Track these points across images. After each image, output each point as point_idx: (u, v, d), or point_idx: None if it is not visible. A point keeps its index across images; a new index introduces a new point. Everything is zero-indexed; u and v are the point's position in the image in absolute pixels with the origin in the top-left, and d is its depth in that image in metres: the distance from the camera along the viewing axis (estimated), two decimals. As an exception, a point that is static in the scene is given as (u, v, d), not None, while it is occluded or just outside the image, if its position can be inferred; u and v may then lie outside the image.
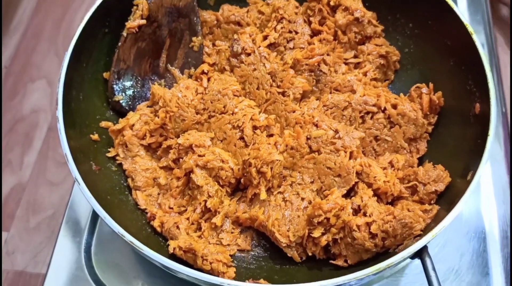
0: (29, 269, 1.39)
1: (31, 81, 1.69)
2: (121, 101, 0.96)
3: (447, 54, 0.93)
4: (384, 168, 0.87)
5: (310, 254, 0.83)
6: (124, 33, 0.94)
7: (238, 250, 0.86)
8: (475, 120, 0.84)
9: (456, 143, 0.88)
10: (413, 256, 0.73)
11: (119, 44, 0.94)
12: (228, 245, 0.85)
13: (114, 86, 0.95)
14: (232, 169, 0.86)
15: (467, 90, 0.87)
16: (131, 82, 0.97)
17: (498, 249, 0.95)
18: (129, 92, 0.97)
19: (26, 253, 1.40)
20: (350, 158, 0.85)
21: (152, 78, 0.99)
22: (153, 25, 0.96)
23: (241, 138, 0.90)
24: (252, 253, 0.87)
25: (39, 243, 1.42)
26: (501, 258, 0.94)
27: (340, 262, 0.81)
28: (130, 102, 0.96)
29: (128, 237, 0.71)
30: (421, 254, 0.72)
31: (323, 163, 0.86)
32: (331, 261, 0.81)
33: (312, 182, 0.87)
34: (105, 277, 0.93)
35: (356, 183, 0.85)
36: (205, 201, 0.84)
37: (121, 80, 0.96)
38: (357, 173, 0.85)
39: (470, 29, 0.87)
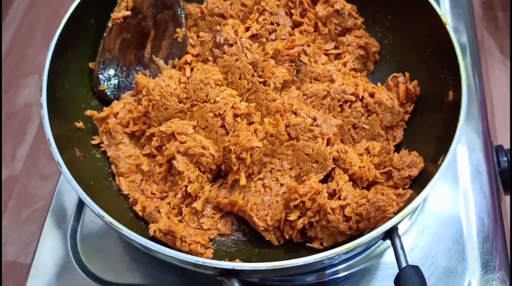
0: (20, 260, 1.42)
1: (24, 75, 1.72)
2: (106, 90, 0.98)
3: (423, 45, 0.95)
4: (361, 155, 0.89)
5: (287, 237, 0.85)
6: (110, 24, 0.96)
7: (218, 234, 0.88)
8: (448, 107, 0.86)
9: (431, 130, 0.90)
10: (384, 237, 0.75)
11: (105, 34, 0.97)
12: (209, 229, 0.88)
13: (100, 75, 0.97)
14: (213, 155, 0.88)
15: (442, 78, 0.90)
16: (116, 72, 0.99)
17: (474, 234, 0.97)
18: (114, 81, 0.99)
19: (18, 244, 1.43)
20: (327, 145, 0.88)
21: (137, 68, 1.01)
22: (138, 17, 0.98)
23: (222, 126, 0.92)
24: (232, 237, 0.89)
25: (30, 234, 1.44)
26: (477, 243, 0.96)
27: (316, 245, 0.83)
28: (115, 91, 0.99)
29: (107, 218, 0.74)
30: (391, 234, 0.74)
31: (301, 150, 0.88)
32: (308, 244, 0.84)
33: (291, 169, 0.89)
34: (91, 263, 0.95)
35: (333, 168, 0.88)
36: (186, 186, 0.86)
37: (106, 70, 0.98)
38: (334, 159, 0.87)
39: (444, 19, 0.89)
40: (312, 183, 0.83)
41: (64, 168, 0.77)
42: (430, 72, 0.93)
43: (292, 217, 0.82)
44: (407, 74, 0.95)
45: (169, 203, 0.87)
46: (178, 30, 1.02)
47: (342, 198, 0.81)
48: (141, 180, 0.92)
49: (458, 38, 1.19)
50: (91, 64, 0.98)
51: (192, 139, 0.89)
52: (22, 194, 1.50)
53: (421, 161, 0.85)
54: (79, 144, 0.90)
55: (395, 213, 0.79)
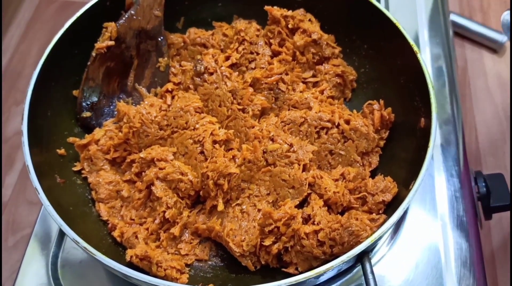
0: (5, 287, 1.41)
1: (16, 104, 1.75)
2: (89, 118, 1.00)
3: (398, 73, 0.98)
4: (336, 180, 0.91)
5: (263, 262, 0.86)
6: (94, 53, 0.99)
7: (196, 259, 0.89)
8: (420, 133, 0.88)
9: (404, 156, 0.92)
10: (356, 262, 0.76)
11: (89, 63, 0.99)
12: (187, 254, 0.89)
13: (83, 103, 1.00)
14: (191, 181, 0.90)
15: (415, 105, 0.92)
16: (99, 100, 1.02)
17: (452, 260, 0.98)
18: (97, 109, 1.01)
19: (4, 271, 1.42)
20: (303, 171, 0.89)
21: (120, 96, 1.03)
22: (122, 46, 1.01)
23: (202, 152, 0.94)
24: (210, 262, 0.90)
25: (16, 261, 1.44)
26: (455, 268, 0.97)
27: (291, 270, 0.84)
28: (98, 119, 1.01)
29: (82, 243, 0.75)
30: (362, 259, 0.75)
31: (278, 176, 0.90)
32: (283, 269, 0.85)
33: (268, 194, 0.91)
34: (71, 288, 0.96)
35: (309, 194, 0.89)
36: (164, 212, 0.87)
37: (90, 98, 1.01)
38: (309, 184, 0.89)
39: (415, 48, 0.92)
40: (287, 208, 0.84)
41: (42, 194, 0.78)
42: (404, 100, 0.96)
43: (267, 242, 0.83)
44: (381, 102, 0.97)
45: (147, 229, 0.88)
46: (160, 59, 1.04)
47: (316, 223, 0.82)
48: (121, 206, 0.93)
49: (437, 65, 1.22)
50: (75, 92, 1.01)
51: (171, 165, 0.91)
52: (9, 221, 1.51)
53: (394, 187, 0.87)
54: (60, 170, 0.92)
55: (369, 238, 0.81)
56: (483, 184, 1.11)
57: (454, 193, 1.05)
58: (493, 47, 1.66)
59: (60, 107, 0.97)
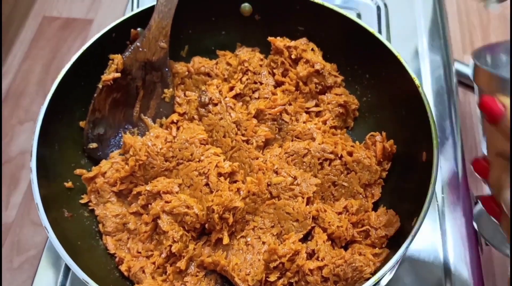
0: (11, 309, 1.42)
1: (20, 123, 1.76)
2: (95, 149, 1.02)
3: (399, 104, 1.00)
4: (339, 213, 0.92)
5: None
6: (100, 85, 1.00)
7: (202, 292, 0.91)
8: (421, 167, 0.90)
9: (407, 188, 0.94)
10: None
11: (95, 95, 1.01)
12: (193, 287, 0.90)
13: (89, 134, 1.01)
14: (196, 215, 0.91)
15: (416, 139, 0.94)
16: (106, 131, 1.03)
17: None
18: (104, 140, 1.03)
19: (5, 289, 1.44)
20: (307, 204, 0.91)
21: (126, 127, 1.05)
22: (128, 78, 1.03)
23: (207, 184, 0.96)
24: (216, 295, 0.91)
25: (21, 282, 1.45)
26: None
27: None
28: (104, 150, 1.02)
29: (92, 284, 0.76)
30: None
31: (282, 208, 0.92)
32: None
33: (272, 226, 0.92)
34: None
35: (313, 227, 0.91)
36: (170, 246, 0.89)
37: (96, 129, 1.02)
38: (313, 218, 0.90)
39: (417, 82, 0.94)
40: (291, 244, 0.86)
41: (51, 233, 0.80)
42: (405, 131, 0.98)
43: (272, 278, 0.84)
44: (383, 134, 0.99)
45: (153, 263, 0.90)
46: (166, 90, 1.06)
47: (320, 258, 0.84)
48: (128, 238, 0.95)
49: (438, 100, 1.24)
50: (81, 123, 1.02)
51: (177, 199, 0.92)
52: (14, 242, 1.52)
53: (397, 221, 0.88)
54: (67, 203, 0.93)
55: (372, 273, 0.82)
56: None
57: (455, 221, 1.07)
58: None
59: (67, 139, 0.99)
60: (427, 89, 1.24)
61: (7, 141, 1.71)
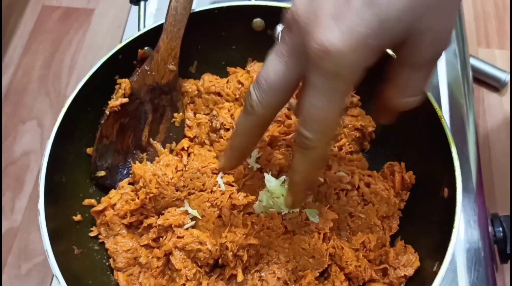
0: (20, 317, 1.42)
1: (22, 122, 1.72)
2: (104, 177, 0.98)
3: (419, 131, 0.95)
4: (357, 250, 0.90)
5: None
6: (107, 111, 0.96)
7: (215, 330, 0.89)
8: (443, 204, 0.87)
9: (427, 221, 0.91)
10: None
11: (102, 121, 0.97)
12: (206, 325, 0.89)
13: (97, 162, 0.98)
14: (210, 251, 0.89)
15: (437, 170, 0.90)
16: (114, 157, 0.99)
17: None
18: (112, 167, 0.99)
19: (18, 301, 1.44)
20: (323, 240, 0.88)
21: (135, 152, 1.01)
22: (136, 102, 0.99)
23: (219, 216, 0.93)
24: (230, 334, 0.90)
25: (30, 290, 1.45)
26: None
27: None
28: (113, 177, 0.99)
29: None
30: None
31: (297, 244, 0.89)
32: None
33: (287, 261, 0.90)
34: None
35: (330, 265, 0.88)
36: (184, 284, 0.87)
37: (104, 156, 0.98)
38: (330, 255, 0.88)
39: (439, 113, 0.89)
40: (307, 282, 0.83)
41: (63, 282, 0.77)
42: (425, 161, 0.94)
43: None
44: (402, 164, 0.95)
45: (167, 302, 0.88)
46: (175, 115, 1.02)
47: None
48: (139, 272, 0.93)
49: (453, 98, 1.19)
50: (88, 150, 0.99)
51: (189, 235, 0.89)
52: (22, 248, 1.51)
53: (416, 260, 0.86)
54: (77, 238, 0.91)
55: None
56: (500, 228, 1.11)
57: (472, 244, 1.05)
58: (495, 86, 1.61)
59: (74, 169, 0.96)
60: (443, 85, 1.19)
61: (9, 141, 1.67)
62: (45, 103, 1.75)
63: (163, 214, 0.94)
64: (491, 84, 1.63)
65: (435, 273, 0.79)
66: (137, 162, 0.98)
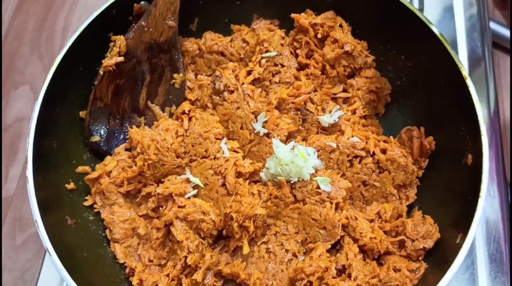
0: (16, 289, 1.37)
1: (14, 87, 1.63)
2: (98, 142, 0.91)
3: (440, 93, 0.88)
4: (371, 220, 0.84)
5: None
6: (101, 71, 0.89)
7: (220, 303, 0.84)
8: (467, 171, 0.80)
9: (447, 190, 0.84)
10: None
11: (96, 82, 0.89)
12: (210, 300, 0.83)
13: (91, 126, 0.91)
14: (213, 221, 0.83)
15: (460, 135, 0.83)
16: (109, 121, 0.92)
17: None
18: (107, 132, 0.92)
19: (14, 271, 1.38)
20: (336, 210, 0.82)
21: (131, 116, 0.94)
22: (132, 61, 0.91)
23: (223, 184, 0.86)
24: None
25: (26, 260, 1.39)
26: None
27: None
28: (108, 143, 0.92)
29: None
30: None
31: (308, 214, 0.83)
32: None
33: (297, 233, 0.84)
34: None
35: (342, 236, 0.82)
36: (186, 257, 0.81)
37: (99, 120, 0.91)
38: (343, 226, 0.82)
39: (464, 73, 0.82)
40: (320, 258, 0.78)
41: (54, 257, 0.71)
42: (446, 125, 0.87)
43: None
44: (422, 129, 0.88)
45: (167, 275, 0.82)
46: (175, 75, 0.94)
47: (352, 278, 0.76)
48: (138, 244, 0.87)
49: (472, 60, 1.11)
50: (81, 113, 0.91)
51: (191, 204, 0.83)
52: (16, 218, 1.45)
53: (436, 231, 0.80)
54: (70, 208, 0.84)
55: None
56: None
57: (491, 215, 0.99)
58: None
59: (66, 134, 0.89)
60: (462, 48, 1.11)
61: (2, 108, 1.60)
62: (38, 67, 1.66)
63: (162, 182, 0.87)
64: (507, 47, 1.53)
65: (459, 246, 0.72)
66: (134, 126, 0.91)
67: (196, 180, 0.85)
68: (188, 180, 0.87)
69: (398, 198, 0.88)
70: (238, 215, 0.80)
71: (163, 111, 0.95)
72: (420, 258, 0.80)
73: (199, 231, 0.83)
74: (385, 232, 0.83)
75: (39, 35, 1.71)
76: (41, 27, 1.72)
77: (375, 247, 0.80)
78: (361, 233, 0.81)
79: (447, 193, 0.84)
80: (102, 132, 0.92)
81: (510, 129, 1.30)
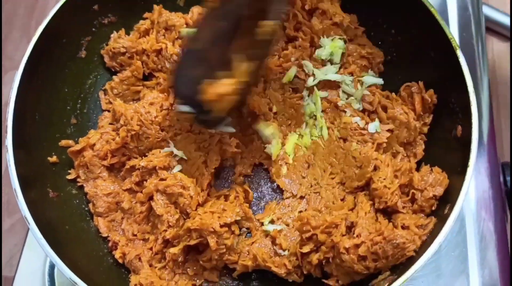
0: (5, 273, 1.36)
1: (4, 72, 1.62)
2: None
3: (430, 66, 0.86)
4: (397, 170, 0.80)
5: (305, 272, 0.79)
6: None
7: (205, 279, 0.82)
8: (456, 143, 0.78)
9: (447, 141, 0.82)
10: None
11: None
12: (195, 274, 0.81)
13: None
14: (191, 197, 0.80)
15: (450, 108, 0.81)
16: None
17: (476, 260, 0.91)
18: None
19: (2, 256, 1.37)
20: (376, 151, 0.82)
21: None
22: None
23: (205, 162, 0.85)
24: (221, 282, 0.82)
25: (14, 245, 1.38)
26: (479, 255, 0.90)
27: (332, 282, 0.77)
28: None
29: (82, 285, 0.67)
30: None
31: (349, 152, 0.84)
32: (324, 281, 0.78)
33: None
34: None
35: (357, 194, 0.82)
36: (165, 230, 0.79)
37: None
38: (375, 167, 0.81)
39: (454, 43, 0.80)
40: (327, 216, 0.77)
41: (33, 226, 0.69)
42: (436, 98, 0.85)
43: (305, 249, 0.76)
44: (421, 83, 0.85)
45: (151, 249, 0.80)
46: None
47: (355, 235, 0.74)
48: (122, 218, 0.85)
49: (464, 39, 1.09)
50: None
51: (172, 177, 0.81)
52: (4, 202, 1.43)
53: (445, 178, 0.77)
54: (52, 181, 0.83)
55: (417, 250, 0.72)
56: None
57: (482, 194, 0.97)
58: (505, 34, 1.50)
59: (49, 107, 0.86)
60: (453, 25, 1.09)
61: (-11, 91, 1.58)
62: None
63: (147, 156, 0.86)
64: (501, 32, 1.52)
65: (447, 216, 0.71)
66: (118, 99, 0.89)
67: (179, 153, 0.84)
68: (172, 154, 0.85)
69: (405, 155, 0.85)
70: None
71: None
72: (434, 208, 0.77)
73: (177, 206, 0.81)
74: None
75: (29, 21, 1.69)
76: (31, 13, 1.70)
77: (383, 195, 0.77)
78: (380, 177, 0.79)
79: (448, 144, 0.82)
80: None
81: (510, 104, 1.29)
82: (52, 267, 0.90)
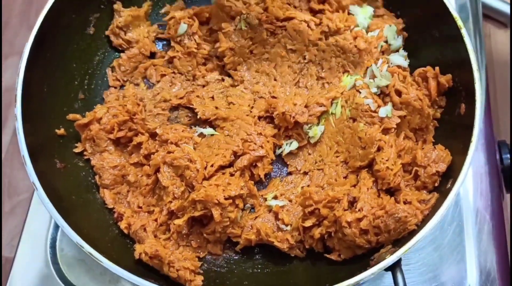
0: (5, 254, 1.36)
1: (4, 57, 1.62)
2: None
3: (434, 45, 0.87)
4: (401, 150, 0.81)
5: (307, 247, 0.80)
6: None
7: (208, 252, 0.83)
8: (459, 120, 0.80)
9: (444, 133, 0.84)
10: (387, 269, 0.70)
11: None
12: (199, 247, 0.82)
13: None
14: (197, 170, 0.81)
15: (454, 86, 0.83)
16: None
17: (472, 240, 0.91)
18: None
19: (2, 237, 1.37)
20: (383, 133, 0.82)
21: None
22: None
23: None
24: (224, 255, 0.83)
25: (14, 226, 1.38)
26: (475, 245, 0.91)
27: (334, 257, 0.78)
28: None
29: (87, 248, 0.68)
30: (393, 268, 0.69)
31: (356, 132, 0.84)
32: (326, 255, 0.78)
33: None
34: (72, 274, 0.88)
35: (360, 171, 0.83)
36: (170, 202, 0.80)
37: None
38: (378, 148, 0.81)
39: (459, 22, 0.81)
40: (329, 191, 0.78)
41: (41, 190, 0.70)
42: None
43: (307, 224, 0.77)
44: (437, 69, 0.84)
45: (155, 220, 0.81)
46: None
47: (357, 209, 0.75)
48: (128, 191, 0.85)
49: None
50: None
51: (180, 150, 0.82)
52: (5, 185, 1.43)
53: (448, 155, 0.78)
54: (60, 153, 0.83)
55: (418, 224, 0.73)
56: (508, 155, 1.03)
57: (478, 169, 0.97)
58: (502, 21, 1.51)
59: (58, 80, 0.87)
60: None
61: (-9, 77, 1.58)
62: (27, 38, 1.63)
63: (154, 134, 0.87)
64: (499, 19, 1.52)
65: (448, 191, 0.72)
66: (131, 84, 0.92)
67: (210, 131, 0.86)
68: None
69: (415, 140, 0.85)
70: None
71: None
72: (437, 184, 0.78)
73: (183, 178, 0.82)
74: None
75: (29, 7, 1.70)
76: (30, 1, 1.71)
77: (386, 176, 0.78)
78: (383, 158, 0.79)
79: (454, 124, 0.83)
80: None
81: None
82: (53, 239, 0.91)
